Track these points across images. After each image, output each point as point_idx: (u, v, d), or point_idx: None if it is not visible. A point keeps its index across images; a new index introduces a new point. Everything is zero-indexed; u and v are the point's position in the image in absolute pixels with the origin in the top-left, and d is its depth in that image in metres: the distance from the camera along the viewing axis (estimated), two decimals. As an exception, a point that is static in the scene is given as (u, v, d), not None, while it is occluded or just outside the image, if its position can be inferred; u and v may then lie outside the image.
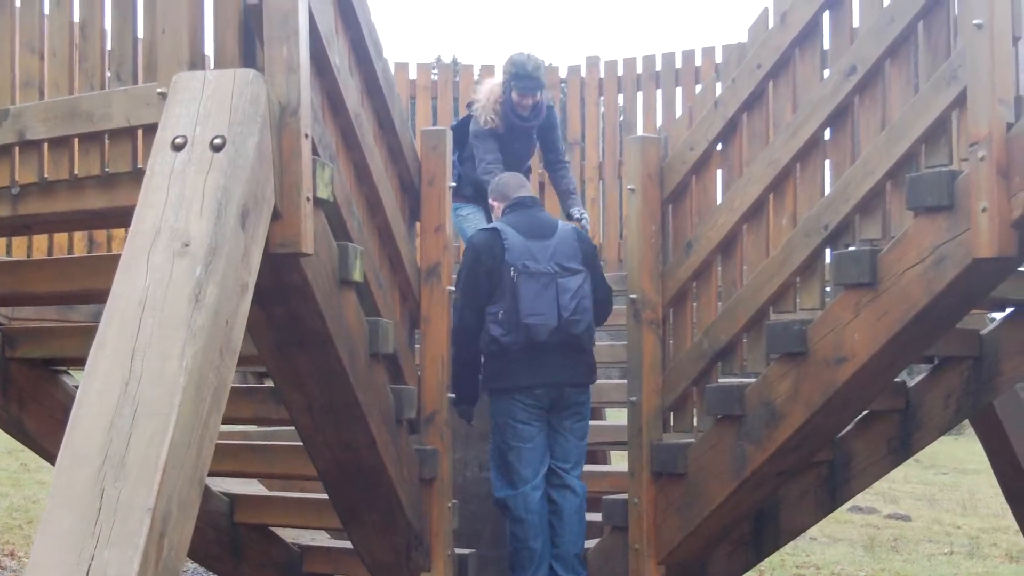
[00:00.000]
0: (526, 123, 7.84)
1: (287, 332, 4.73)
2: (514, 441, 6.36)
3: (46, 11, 4.76)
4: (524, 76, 7.70)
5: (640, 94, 10.09)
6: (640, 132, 9.45)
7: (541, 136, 8.18)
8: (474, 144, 7.86)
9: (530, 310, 6.23)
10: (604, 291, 6.58)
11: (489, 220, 7.53)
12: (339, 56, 4.96)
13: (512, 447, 6.37)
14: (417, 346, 6.22)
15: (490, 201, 6.95)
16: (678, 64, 9.87)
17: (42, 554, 3.13)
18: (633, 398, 6.21)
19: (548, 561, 6.35)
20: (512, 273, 6.26)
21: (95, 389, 3.39)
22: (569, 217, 7.97)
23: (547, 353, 6.28)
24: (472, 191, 7.85)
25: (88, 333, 3.67)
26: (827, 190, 5.51)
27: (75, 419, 3.35)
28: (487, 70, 10.41)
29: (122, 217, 4.40)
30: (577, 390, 6.42)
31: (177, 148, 3.84)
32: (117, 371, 3.40)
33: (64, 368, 6.46)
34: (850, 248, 5.32)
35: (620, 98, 10.24)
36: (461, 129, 7.92)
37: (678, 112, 9.61)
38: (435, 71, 10.79)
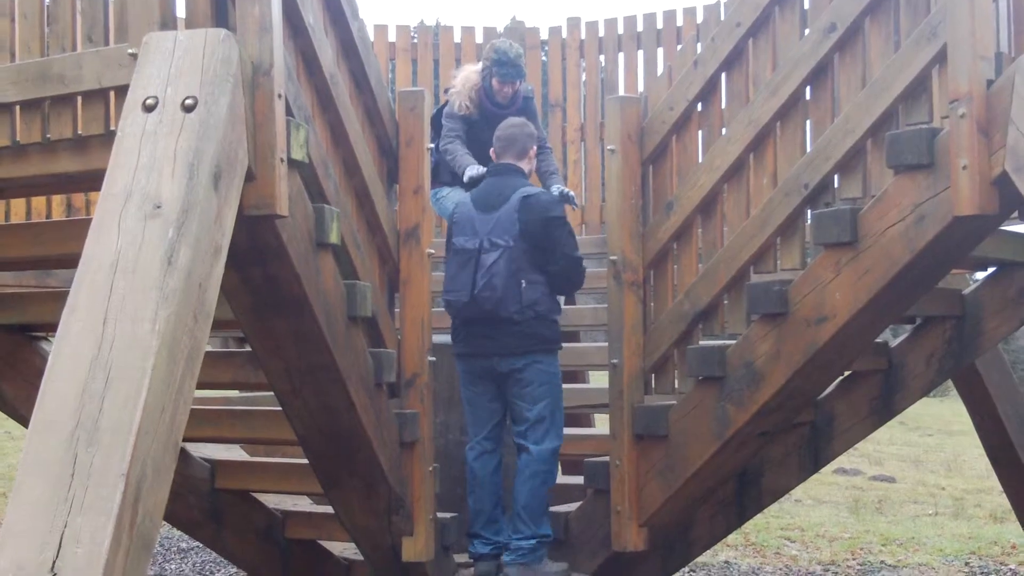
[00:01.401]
0: (502, 111, 7.71)
1: (263, 295, 4.70)
2: (463, 400, 6.70)
3: (16, -27, 4.70)
4: (506, 63, 7.62)
5: (621, 55, 10.05)
6: (622, 93, 9.40)
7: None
8: (443, 123, 7.80)
9: (449, 287, 6.51)
10: (560, 263, 6.45)
11: None
12: (313, 15, 4.91)
13: (464, 406, 6.71)
14: (397, 310, 6.18)
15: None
16: (659, 25, 9.82)
17: (15, 521, 3.10)
18: (614, 360, 6.19)
19: (486, 516, 6.55)
20: (451, 247, 6.55)
21: (67, 353, 3.36)
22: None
23: (473, 325, 6.48)
24: (450, 177, 7.76)
25: (65, 298, 3.63)
26: (808, 149, 5.48)
27: (47, 384, 3.32)
28: (467, 32, 10.35)
29: (96, 180, 4.33)
30: (509, 359, 6.44)
31: (148, 109, 3.80)
32: (89, 335, 3.36)
33: (42, 334, 6.41)
34: (830, 207, 5.30)
35: (601, 59, 10.19)
36: (437, 117, 7.84)
37: (659, 73, 9.56)
38: (415, 34, 10.71)
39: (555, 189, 7.23)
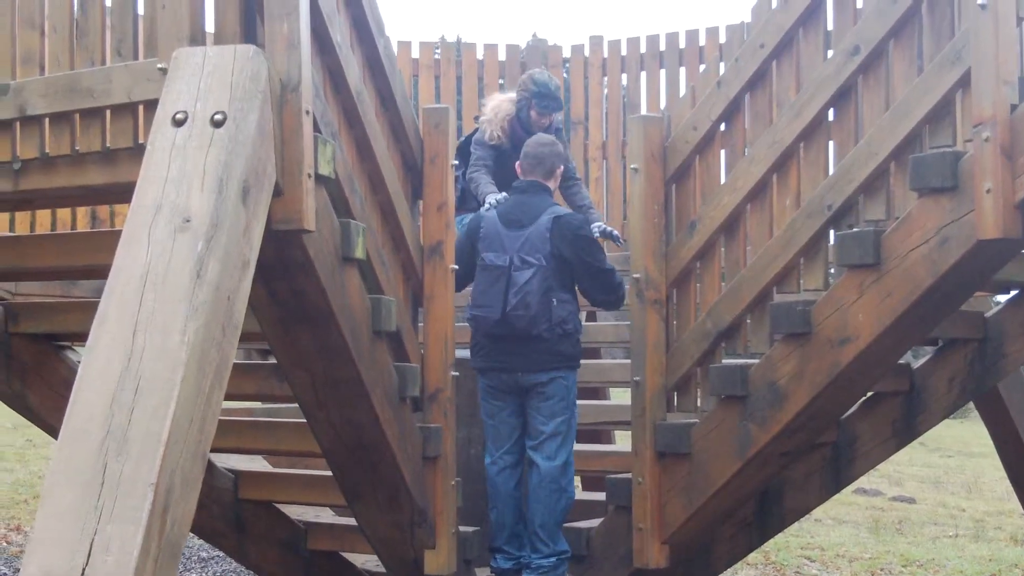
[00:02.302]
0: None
1: (290, 309, 4.73)
2: (484, 415, 6.70)
3: (46, -14, 4.75)
4: (547, 95, 7.63)
5: (644, 74, 10.09)
6: (644, 112, 9.42)
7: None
8: (472, 150, 7.81)
9: (478, 302, 6.51)
10: (587, 282, 6.57)
11: None
12: (340, 33, 4.95)
13: (485, 420, 6.71)
14: (420, 324, 6.22)
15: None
16: (682, 44, 9.86)
17: (44, 529, 3.13)
18: (637, 378, 6.21)
19: (508, 531, 6.59)
20: (479, 262, 6.55)
21: (97, 364, 3.39)
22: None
23: (500, 341, 6.49)
24: (476, 204, 7.77)
25: (91, 308, 3.66)
26: (831, 171, 5.50)
27: (77, 394, 3.35)
28: (490, 49, 10.40)
29: (123, 193, 4.39)
30: (536, 374, 6.49)
31: (178, 124, 3.84)
32: (119, 346, 3.40)
33: (67, 343, 6.46)
34: (854, 229, 5.31)
35: (624, 78, 10.23)
36: (466, 144, 7.87)
37: (681, 92, 9.58)
38: (438, 50, 10.76)
39: (596, 228, 7.15)
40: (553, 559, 6.40)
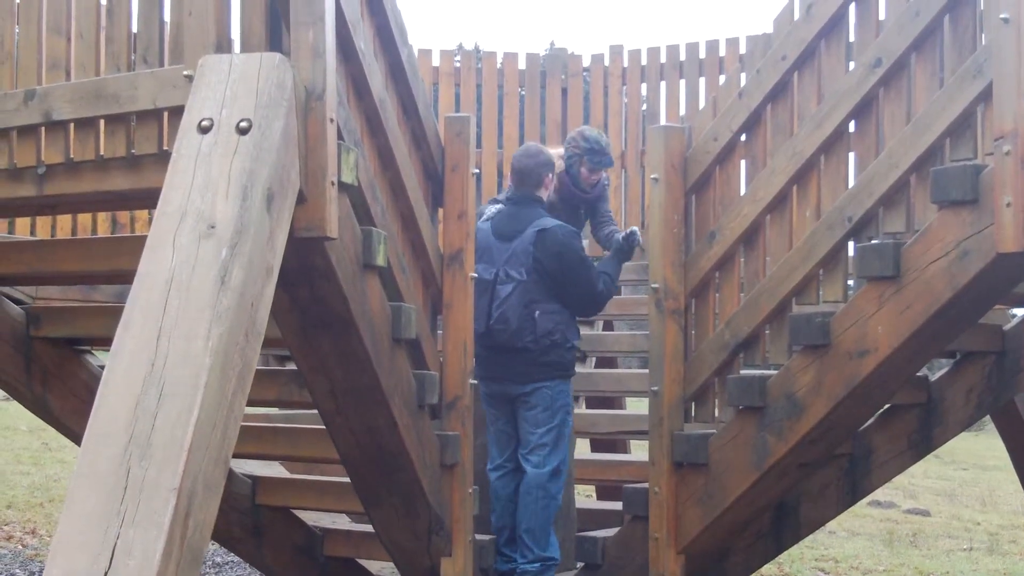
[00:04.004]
0: (585, 195, 7.71)
1: (311, 315, 4.75)
2: (487, 422, 6.83)
3: (73, -7, 4.79)
4: (599, 152, 7.48)
5: (663, 84, 10.09)
6: (663, 122, 9.42)
7: (591, 204, 7.90)
8: None
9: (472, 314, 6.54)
10: (565, 296, 6.65)
11: None
12: (364, 41, 4.97)
13: (487, 427, 6.83)
14: (440, 332, 6.23)
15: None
16: (702, 54, 9.86)
17: (67, 532, 3.15)
18: (655, 387, 6.21)
19: (507, 533, 6.70)
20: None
21: (121, 369, 3.41)
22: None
23: (490, 352, 6.65)
24: None
25: (111, 313, 3.69)
26: (851, 183, 5.51)
27: (101, 398, 3.37)
28: (510, 57, 10.42)
29: (147, 199, 4.43)
30: (519, 385, 6.62)
31: (203, 131, 3.86)
32: (143, 351, 3.42)
33: (88, 348, 6.49)
34: (874, 241, 5.32)
35: (643, 88, 10.24)
36: None
37: (701, 102, 9.60)
38: (458, 58, 10.79)
39: (619, 236, 7.12)
40: (538, 564, 6.52)
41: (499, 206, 6.98)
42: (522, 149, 7.04)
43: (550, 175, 6.92)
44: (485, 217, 6.92)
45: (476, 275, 6.40)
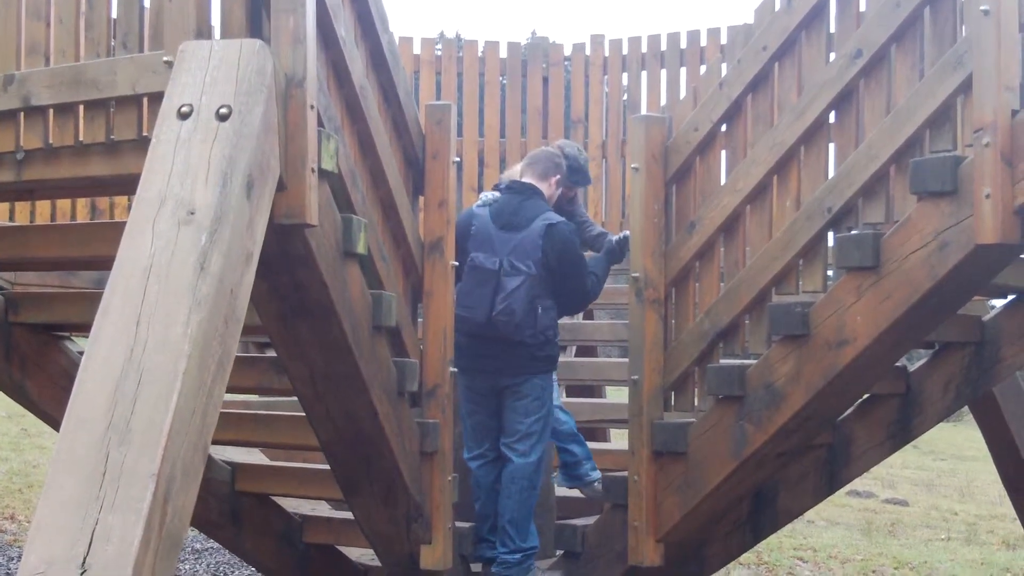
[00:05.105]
0: (567, 207, 7.66)
1: (291, 302, 4.75)
2: (463, 413, 6.75)
3: (52, -23, 4.76)
4: (578, 170, 7.41)
5: (645, 74, 10.10)
6: (644, 112, 9.44)
7: (567, 211, 7.88)
8: None
9: (464, 302, 6.50)
10: (569, 285, 6.65)
11: None
12: (345, 27, 4.96)
13: (463, 418, 6.76)
14: (420, 320, 6.23)
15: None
16: (683, 44, 9.88)
17: (45, 517, 3.14)
18: (634, 377, 6.22)
19: (491, 521, 6.70)
20: (468, 261, 6.54)
21: (100, 355, 3.40)
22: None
23: (481, 342, 6.55)
24: None
25: (90, 299, 3.67)
26: (831, 173, 5.52)
27: (80, 384, 3.36)
28: (491, 46, 10.41)
29: (126, 184, 4.41)
30: (510, 377, 6.59)
31: (183, 117, 3.85)
32: (122, 337, 3.41)
33: (67, 334, 6.47)
34: (853, 231, 5.33)
35: (624, 77, 10.24)
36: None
37: (682, 93, 9.61)
38: (439, 46, 10.78)
39: (613, 238, 7.13)
40: (519, 555, 6.53)
41: (496, 194, 6.95)
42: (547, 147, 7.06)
43: (558, 176, 6.87)
44: (482, 202, 6.89)
45: (476, 264, 6.38)
